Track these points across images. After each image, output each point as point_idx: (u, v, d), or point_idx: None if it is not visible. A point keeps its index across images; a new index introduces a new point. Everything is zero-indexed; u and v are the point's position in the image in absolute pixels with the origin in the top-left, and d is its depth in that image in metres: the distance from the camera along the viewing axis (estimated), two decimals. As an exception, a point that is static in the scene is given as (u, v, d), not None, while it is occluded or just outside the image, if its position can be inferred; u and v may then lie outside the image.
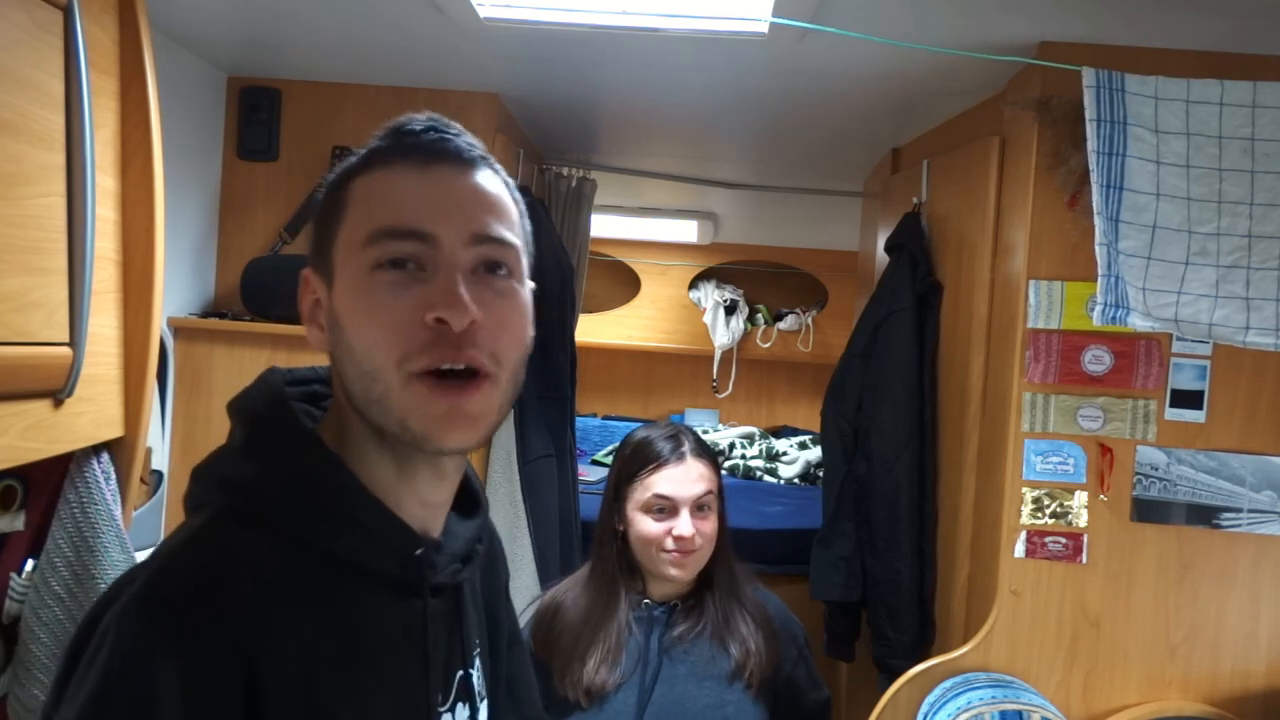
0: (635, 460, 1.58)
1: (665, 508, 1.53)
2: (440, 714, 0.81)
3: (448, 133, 0.74)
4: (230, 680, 0.65)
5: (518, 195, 0.79)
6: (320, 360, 0.81)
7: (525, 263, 0.77)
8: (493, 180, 0.76)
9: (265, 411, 0.76)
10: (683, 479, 1.54)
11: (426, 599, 0.78)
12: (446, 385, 0.70)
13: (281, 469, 0.73)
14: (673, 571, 1.54)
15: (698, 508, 1.54)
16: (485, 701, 0.90)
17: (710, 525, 1.56)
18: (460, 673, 0.84)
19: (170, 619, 0.65)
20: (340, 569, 0.73)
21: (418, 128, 0.74)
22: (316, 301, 0.76)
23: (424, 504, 0.79)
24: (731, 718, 1.49)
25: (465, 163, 0.74)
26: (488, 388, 0.72)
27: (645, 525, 1.54)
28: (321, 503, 0.73)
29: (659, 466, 1.55)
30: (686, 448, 1.57)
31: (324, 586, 0.72)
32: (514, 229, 0.76)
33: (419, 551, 0.76)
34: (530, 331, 0.77)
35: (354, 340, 0.71)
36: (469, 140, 0.76)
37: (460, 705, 0.83)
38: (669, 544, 1.52)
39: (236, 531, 0.71)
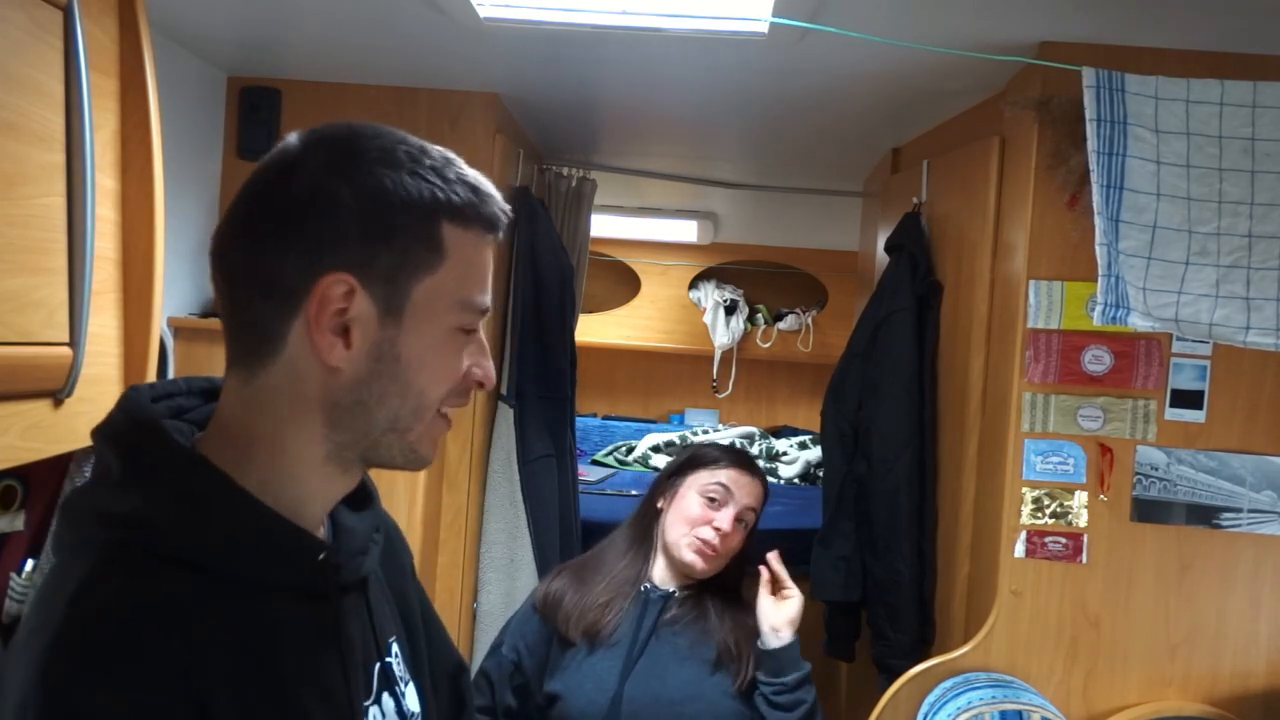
0: (714, 452, 1.71)
1: (719, 498, 1.64)
2: (366, 709, 0.81)
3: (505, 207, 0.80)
4: (189, 713, 0.63)
5: None
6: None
7: None
8: None
9: (139, 436, 0.73)
10: (747, 486, 1.67)
11: (336, 600, 0.78)
12: (446, 416, 0.80)
13: (167, 496, 0.70)
14: (690, 556, 1.62)
15: (741, 519, 1.65)
16: (410, 684, 0.91)
17: (738, 540, 1.66)
18: (379, 663, 0.85)
19: (104, 666, 0.61)
20: (246, 586, 0.71)
21: (504, 207, 0.78)
22: (344, 311, 0.72)
23: (328, 506, 0.82)
24: (708, 695, 1.54)
25: None
26: None
27: (694, 504, 1.65)
28: (215, 526, 0.71)
29: (731, 466, 1.68)
30: (757, 473, 1.72)
31: (234, 607, 0.70)
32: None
33: (322, 556, 0.76)
34: None
35: (414, 381, 0.75)
36: None
37: (385, 695, 0.84)
38: (703, 531, 1.62)
39: (133, 567, 0.67)
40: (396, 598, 0.96)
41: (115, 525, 0.69)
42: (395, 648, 0.90)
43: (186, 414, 0.80)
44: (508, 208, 0.80)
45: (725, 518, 1.62)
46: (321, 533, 0.83)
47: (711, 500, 1.64)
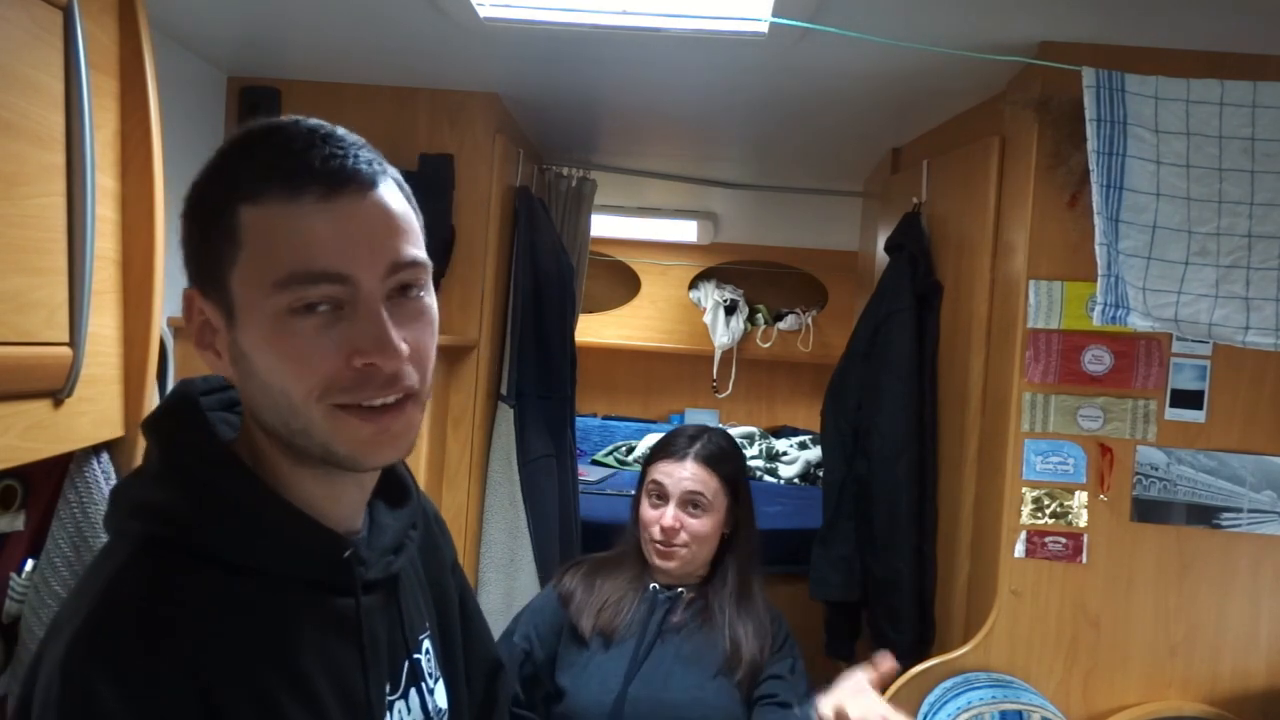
0: (657, 448, 1.71)
1: (659, 494, 1.64)
2: (393, 703, 0.82)
3: (343, 151, 0.68)
4: (189, 711, 0.65)
5: (409, 191, 0.75)
6: None
7: (428, 264, 0.74)
8: (394, 194, 0.72)
9: (178, 432, 0.75)
10: (675, 473, 1.63)
11: (358, 597, 0.78)
12: (372, 410, 0.70)
13: (198, 492, 0.72)
14: (655, 560, 1.63)
15: (690, 504, 1.62)
16: (440, 680, 0.91)
17: (700, 525, 1.62)
18: (407, 660, 0.85)
19: (115, 660, 0.64)
20: (271, 581, 0.73)
21: (315, 156, 0.67)
22: (207, 324, 0.72)
23: (350, 505, 0.80)
24: (709, 701, 1.54)
25: (368, 184, 0.69)
26: (411, 406, 0.72)
27: (643, 508, 1.66)
28: (243, 523, 0.72)
29: (664, 458, 1.66)
30: (693, 449, 1.66)
31: (258, 601, 0.71)
32: (420, 243, 0.72)
33: (347, 554, 0.77)
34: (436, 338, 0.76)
35: (268, 377, 0.69)
36: (367, 154, 0.71)
37: (412, 690, 0.85)
38: (655, 532, 1.61)
39: (162, 561, 0.70)
40: (434, 591, 0.96)
41: (150, 518, 0.71)
42: (427, 644, 0.90)
43: (238, 407, 0.81)
44: (328, 153, 0.68)
45: (668, 514, 1.61)
46: (359, 528, 0.83)
47: (656, 498, 1.64)
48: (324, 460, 0.72)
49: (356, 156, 0.69)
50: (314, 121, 0.70)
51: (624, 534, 1.75)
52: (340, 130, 0.71)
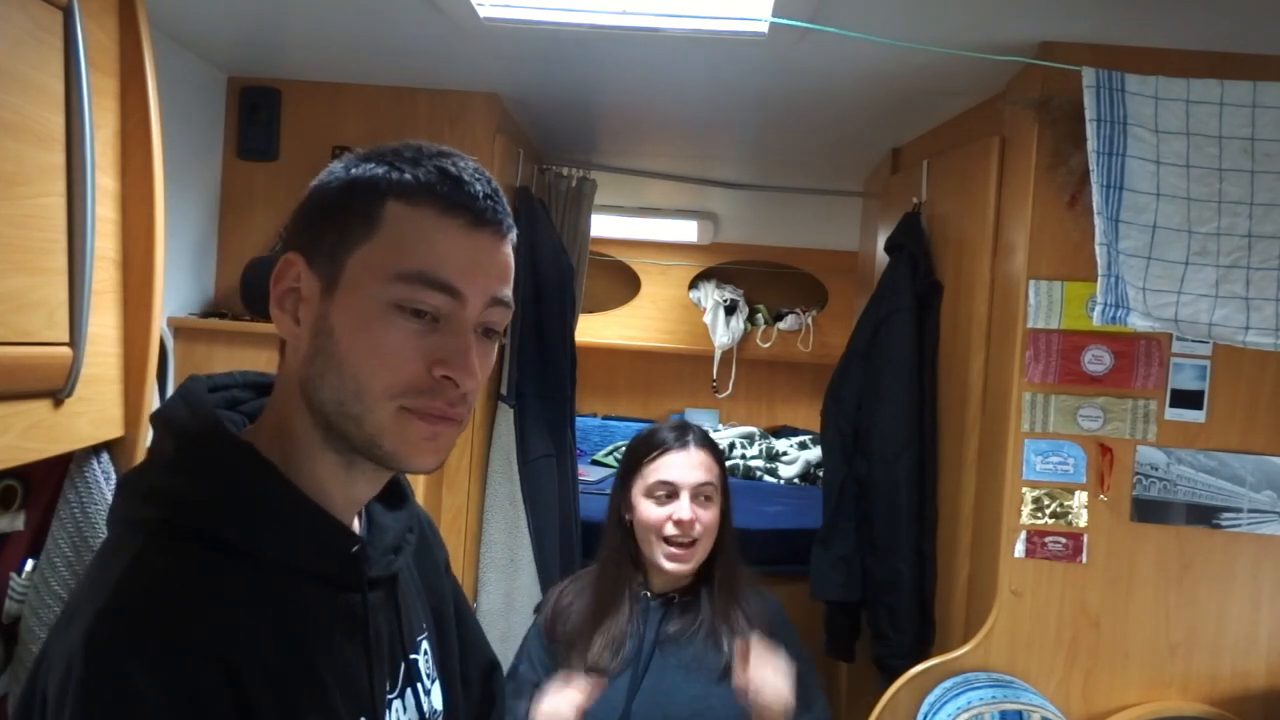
0: (642, 448, 1.63)
1: (667, 492, 1.57)
2: (390, 701, 0.83)
3: (496, 198, 0.78)
4: (217, 691, 0.66)
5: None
6: (242, 363, 0.84)
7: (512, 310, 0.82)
8: (511, 249, 0.81)
9: (194, 422, 0.77)
10: (685, 464, 1.58)
11: (365, 593, 0.80)
12: (434, 417, 0.75)
13: (215, 480, 0.74)
14: (668, 565, 1.56)
15: (700, 496, 1.57)
16: (436, 682, 0.93)
17: (710, 515, 1.58)
18: (404, 660, 0.86)
19: (141, 638, 0.64)
20: (280, 571, 0.74)
21: (478, 191, 0.76)
22: (296, 290, 0.76)
23: (354, 501, 0.82)
24: (715, 708, 1.51)
25: (502, 232, 0.78)
26: (457, 428, 0.77)
27: (648, 510, 1.57)
28: (258, 511, 0.74)
29: (663, 452, 1.59)
30: (691, 437, 1.61)
31: (269, 590, 0.73)
32: (514, 290, 0.81)
33: (355, 549, 0.78)
34: None
35: (347, 359, 0.73)
36: (505, 207, 0.79)
37: (408, 690, 0.86)
38: (668, 530, 1.55)
39: (178, 546, 0.71)
40: (430, 595, 0.97)
41: (163, 503, 0.73)
42: (425, 645, 0.92)
43: (240, 406, 0.84)
44: (486, 192, 0.76)
45: (683, 508, 1.55)
46: (356, 528, 0.84)
47: (663, 496, 1.57)
48: (358, 450, 0.75)
49: (503, 207, 0.79)
50: (484, 170, 0.79)
51: (600, 549, 1.66)
52: (497, 184, 0.80)
